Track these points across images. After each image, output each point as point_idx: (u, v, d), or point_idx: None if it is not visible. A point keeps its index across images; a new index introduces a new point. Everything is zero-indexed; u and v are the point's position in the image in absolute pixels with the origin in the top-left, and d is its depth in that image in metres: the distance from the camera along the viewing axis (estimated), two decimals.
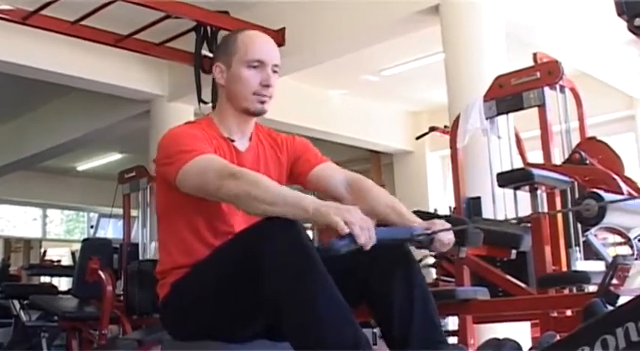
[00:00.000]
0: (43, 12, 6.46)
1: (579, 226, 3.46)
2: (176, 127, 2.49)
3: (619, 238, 2.99)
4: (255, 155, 2.49)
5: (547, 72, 3.98)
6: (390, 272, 2.17)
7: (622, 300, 1.70)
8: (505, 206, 4.26)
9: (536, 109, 3.99)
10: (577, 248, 3.54)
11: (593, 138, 4.03)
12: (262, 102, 2.42)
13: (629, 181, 3.57)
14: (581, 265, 3.52)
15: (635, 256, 1.95)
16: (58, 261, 11.66)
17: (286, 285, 1.97)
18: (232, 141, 2.44)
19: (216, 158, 2.25)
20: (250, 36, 2.50)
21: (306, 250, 2.01)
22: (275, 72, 2.45)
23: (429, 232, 2.15)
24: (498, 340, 2.13)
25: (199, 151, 2.23)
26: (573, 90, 4.41)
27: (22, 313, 7.38)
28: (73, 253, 10.09)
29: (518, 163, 4.48)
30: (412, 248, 2.25)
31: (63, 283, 10.97)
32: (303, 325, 1.96)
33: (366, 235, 1.93)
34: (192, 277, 2.26)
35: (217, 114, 2.52)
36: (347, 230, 1.90)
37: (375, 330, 3.85)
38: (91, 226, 15.48)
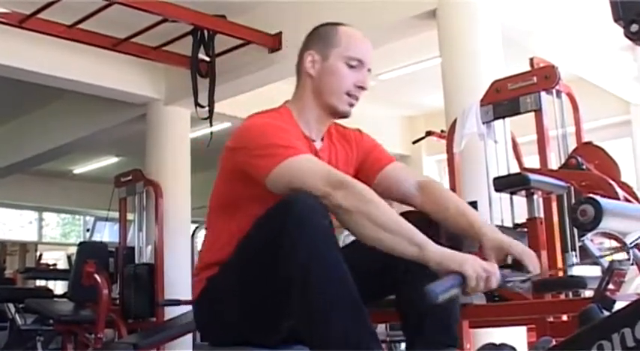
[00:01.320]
0: (40, 15, 6.46)
1: (575, 231, 3.46)
2: (261, 115, 2.31)
3: (615, 243, 3.00)
4: (329, 155, 2.38)
5: (544, 77, 3.99)
6: (413, 271, 2.09)
7: (618, 305, 1.70)
8: (501, 211, 4.26)
9: (532, 113, 4.00)
10: (573, 253, 3.54)
11: (589, 143, 4.03)
12: (351, 104, 2.33)
13: (625, 187, 3.57)
14: (578, 270, 3.52)
15: (631, 262, 1.95)
16: (54, 264, 11.69)
17: (298, 268, 1.90)
18: (313, 140, 2.33)
19: (319, 161, 2.14)
20: (352, 32, 2.40)
21: (321, 233, 1.93)
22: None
23: (524, 278, 2.06)
24: (495, 345, 2.14)
25: (298, 150, 2.10)
26: (570, 95, 4.41)
27: (17, 316, 7.36)
28: (68, 257, 10.10)
29: (515, 168, 4.48)
30: None
31: (58, 287, 10.96)
32: (310, 313, 1.90)
33: (481, 286, 1.85)
34: (223, 271, 2.18)
35: (296, 105, 2.39)
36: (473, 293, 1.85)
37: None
38: (87, 230, 15.46)
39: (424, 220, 2.24)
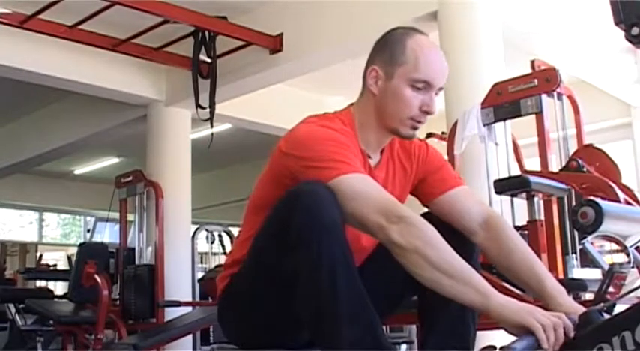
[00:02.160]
0: (41, 16, 6.46)
1: (576, 233, 3.46)
2: (322, 121, 2.17)
3: (615, 246, 3.00)
4: (385, 173, 2.25)
5: (545, 79, 3.99)
6: None
7: (618, 308, 1.70)
8: (502, 213, 4.26)
9: (533, 116, 4.00)
10: (574, 256, 3.54)
11: (590, 145, 4.03)
12: (415, 128, 2.17)
13: (625, 189, 3.57)
14: (578, 272, 3.52)
15: (631, 264, 1.95)
16: (54, 265, 11.68)
17: (306, 260, 1.85)
18: (369, 157, 2.21)
19: (376, 186, 1.98)
20: (425, 49, 2.16)
21: (330, 226, 1.86)
22: (436, 94, 2.18)
23: None
24: (495, 347, 2.13)
25: (355, 168, 1.97)
26: (571, 97, 4.41)
27: (17, 316, 7.37)
28: (69, 257, 10.11)
29: (516, 171, 4.48)
30: None
31: (59, 287, 10.98)
32: (317, 308, 1.87)
33: (553, 340, 1.68)
34: (242, 266, 2.14)
35: (359, 116, 2.24)
36: (545, 343, 1.67)
37: None
38: (88, 230, 15.47)
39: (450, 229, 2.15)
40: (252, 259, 2.09)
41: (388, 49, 2.17)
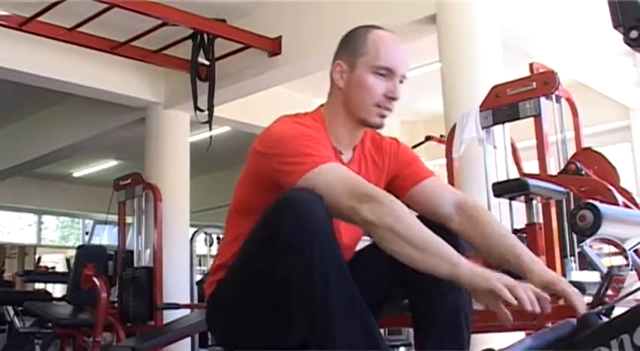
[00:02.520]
0: (40, 18, 6.46)
1: (574, 236, 3.46)
2: (293, 120, 2.23)
3: (614, 249, 3.00)
4: (358, 168, 2.28)
5: (543, 82, 3.99)
6: (428, 277, 1.97)
7: (617, 311, 1.70)
8: (500, 216, 4.26)
9: (532, 119, 4.00)
10: (572, 258, 3.54)
11: (588, 148, 4.03)
12: (382, 116, 2.22)
13: (624, 192, 3.57)
14: (576, 275, 3.52)
15: (630, 267, 1.95)
16: (53, 267, 11.67)
17: (299, 266, 1.86)
18: (341, 153, 2.24)
19: (346, 170, 2.03)
20: (383, 38, 2.25)
21: (322, 231, 1.87)
22: (401, 82, 2.24)
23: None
24: (493, 350, 2.13)
25: (327, 158, 2.02)
26: (569, 100, 4.41)
27: (16, 319, 7.35)
28: (67, 260, 10.11)
29: (514, 173, 4.48)
30: None
31: (57, 290, 10.97)
32: (311, 315, 1.88)
33: (532, 300, 1.79)
34: (229, 272, 2.15)
35: (329, 113, 2.29)
36: (514, 300, 1.76)
37: None
38: (86, 233, 15.46)
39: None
40: (240, 265, 2.10)
41: (350, 44, 2.25)
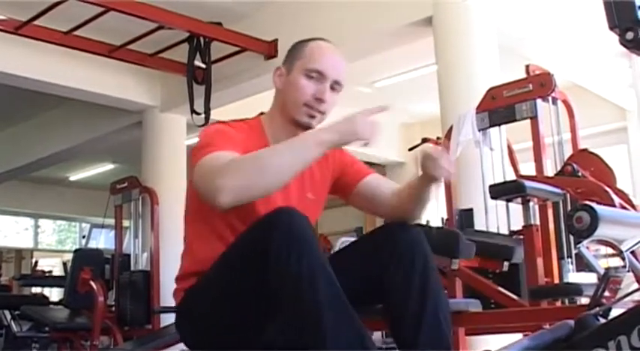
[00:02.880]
0: (36, 22, 6.46)
1: (571, 238, 3.46)
2: (220, 123, 2.34)
3: (611, 250, 3.01)
4: None
5: (539, 84, 3.99)
6: (407, 280, 2.12)
7: (614, 313, 1.70)
8: (497, 218, 4.26)
9: (528, 120, 4.00)
10: (569, 260, 3.54)
11: (585, 150, 4.04)
12: (311, 116, 2.30)
13: (620, 193, 3.58)
14: (573, 277, 3.52)
15: (627, 269, 1.95)
16: (50, 271, 11.65)
17: (288, 282, 1.91)
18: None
19: (223, 155, 2.07)
20: (320, 45, 2.41)
21: (310, 246, 1.93)
22: (334, 89, 2.35)
23: None
24: None
25: (216, 148, 2.10)
26: (565, 102, 4.42)
27: (13, 323, 7.35)
28: (64, 264, 10.06)
29: (511, 175, 4.48)
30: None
31: (54, 294, 10.95)
32: (302, 325, 1.91)
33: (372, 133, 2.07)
34: (203, 283, 2.19)
35: (268, 118, 2.40)
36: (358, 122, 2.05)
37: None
38: (83, 237, 15.45)
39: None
40: (223, 276, 2.13)
41: (292, 52, 2.42)
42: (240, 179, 1.97)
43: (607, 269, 1.92)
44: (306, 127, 2.31)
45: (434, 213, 9.26)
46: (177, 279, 2.31)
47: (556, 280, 3.48)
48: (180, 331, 2.33)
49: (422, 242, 2.20)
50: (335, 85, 2.35)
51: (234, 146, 2.13)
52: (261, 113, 2.46)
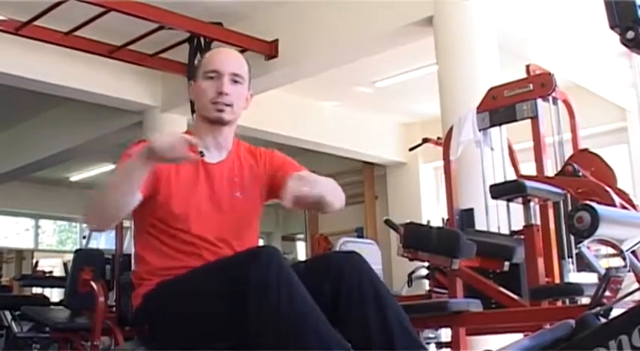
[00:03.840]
0: (37, 22, 6.46)
1: (572, 238, 3.46)
2: None
3: (612, 250, 3.01)
4: (230, 168, 2.50)
5: (540, 84, 3.99)
6: (359, 298, 2.15)
7: (615, 312, 1.70)
8: (498, 218, 4.26)
9: (529, 120, 4.00)
10: (570, 260, 3.54)
11: (585, 150, 4.04)
12: (220, 110, 2.45)
13: (621, 193, 3.58)
14: (574, 277, 3.52)
15: (627, 268, 1.95)
16: (50, 272, 11.62)
17: (276, 315, 1.98)
18: (202, 155, 2.36)
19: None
20: (214, 51, 2.66)
21: (293, 280, 2.02)
22: (236, 82, 2.50)
23: None
24: None
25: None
26: (566, 102, 4.42)
27: (13, 324, 7.34)
28: (65, 264, 10.05)
29: (511, 175, 4.48)
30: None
31: (55, 294, 10.93)
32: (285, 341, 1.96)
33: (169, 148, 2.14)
34: (166, 293, 2.28)
35: (195, 126, 2.59)
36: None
37: None
38: (84, 237, 15.40)
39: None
40: (189, 295, 2.22)
41: (196, 68, 2.62)
42: (97, 214, 2.29)
43: (608, 269, 1.91)
44: (219, 122, 2.48)
45: (434, 213, 9.27)
46: (134, 282, 2.48)
47: (557, 280, 3.48)
48: (138, 333, 2.49)
49: (360, 262, 2.23)
50: (235, 78, 2.50)
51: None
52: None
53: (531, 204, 3.51)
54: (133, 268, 2.54)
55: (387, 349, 2.12)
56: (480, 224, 4.37)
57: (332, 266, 2.20)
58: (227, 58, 2.55)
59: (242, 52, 7.03)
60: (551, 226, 3.54)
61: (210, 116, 2.47)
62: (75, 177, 13.96)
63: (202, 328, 2.16)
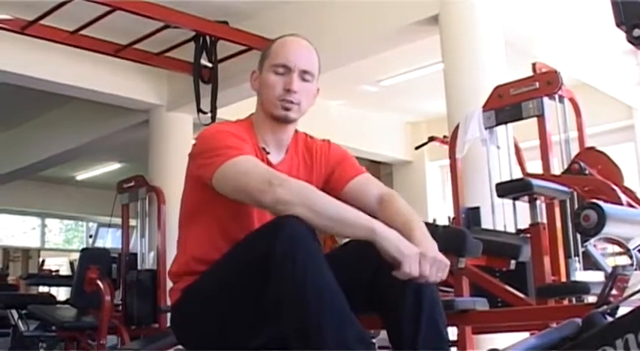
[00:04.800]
0: (43, 22, 6.47)
1: (578, 236, 3.45)
2: (219, 124, 2.45)
3: (618, 249, 3.00)
4: (288, 169, 2.41)
5: (546, 82, 3.99)
6: (401, 283, 2.10)
7: (622, 311, 1.70)
8: (504, 216, 4.25)
9: (535, 119, 3.99)
10: (576, 258, 3.54)
11: (592, 148, 4.03)
12: (286, 108, 2.36)
13: (628, 192, 3.57)
14: (581, 275, 3.52)
15: (634, 267, 1.94)
16: (57, 271, 11.67)
17: (290, 287, 1.94)
18: (267, 153, 2.39)
19: (259, 162, 2.20)
20: (284, 41, 2.47)
21: (316, 253, 1.99)
22: (304, 79, 2.40)
23: None
24: (498, 350, 2.13)
25: (241, 150, 2.19)
26: (572, 100, 4.41)
27: (20, 322, 7.36)
28: (71, 263, 10.08)
29: (518, 174, 4.47)
30: None
31: (61, 293, 10.98)
32: (304, 329, 1.94)
33: (415, 269, 1.97)
34: (203, 283, 2.23)
35: (255, 120, 2.46)
36: (411, 273, 1.96)
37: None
38: (90, 236, 15.45)
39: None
40: (223, 280, 2.17)
41: (262, 55, 2.49)
42: (294, 198, 2.03)
43: (614, 267, 1.91)
44: (285, 120, 2.39)
45: (441, 211, 9.26)
46: (172, 277, 2.39)
47: (563, 279, 3.47)
48: (176, 330, 2.38)
49: None
50: (304, 75, 2.40)
51: (248, 145, 2.25)
52: (252, 114, 2.51)
53: (537, 202, 3.50)
54: (174, 260, 2.44)
55: (412, 339, 2.12)
56: (486, 223, 4.37)
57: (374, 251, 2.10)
58: (298, 53, 2.43)
59: (247, 50, 7.05)
60: (558, 224, 3.54)
61: (276, 113, 2.37)
62: (81, 176, 13.99)
63: (240, 315, 2.14)
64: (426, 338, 2.12)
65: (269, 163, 2.33)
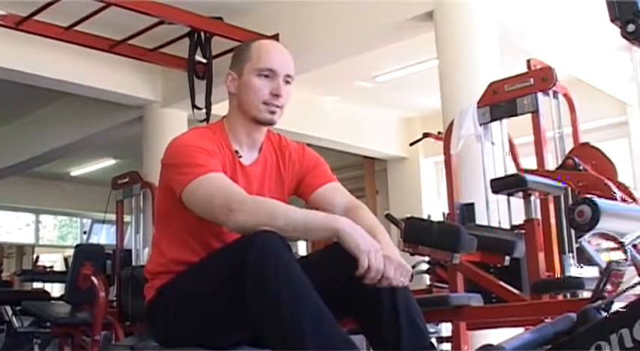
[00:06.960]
0: (37, 17, 6.45)
1: (573, 231, 3.46)
2: (189, 132, 2.47)
3: (612, 244, 3.00)
4: (262, 170, 2.45)
5: (541, 78, 3.99)
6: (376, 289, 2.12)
7: (616, 306, 1.70)
8: (499, 212, 4.26)
9: (529, 115, 4.00)
10: (570, 254, 3.54)
11: (586, 144, 4.03)
12: (272, 112, 2.38)
13: (622, 187, 3.57)
14: (575, 271, 3.52)
15: (628, 262, 1.95)
16: (51, 267, 11.64)
17: (268, 297, 1.97)
18: (239, 156, 2.40)
19: (224, 180, 2.22)
20: (264, 45, 2.51)
21: (288, 261, 2.01)
22: (288, 82, 2.42)
23: None
24: (492, 346, 2.13)
25: (208, 168, 2.22)
26: (567, 96, 4.42)
27: (14, 319, 7.35)
28: (65, 259, 10.07)
29: (512, 169, 4.48)
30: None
31: (55, 289, 10.95)
32: (284, 337, 1.96)
33: (373, 265, 2.00)
34: (178, 284, 2.27)
35: (228, 122, 2.49)
36: (365, 267, 1.99)
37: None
38: (84, 232, 15.45)
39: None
40: (195, 286, 2.21)
41: (237, 55, 2.52)
42: (254, 220, 2.07)
43: (609, 263, 1.91)
44: (269, 123, 2.42)
45: (435, 207, 9.27)
46: (148, 275, 2.40)
47: (557, 274, 3.48)
48: (150, 327, 2.41)
49: None
50: (287, 79, 2.43)
51: (215, 158, 2.28)
52: (224, 117, 2.55)
53: (532, 198, 3.51)
54: (149, 258, 2.46)
55: (394, 339, 2.14)
56: (481, 219, 4.38)
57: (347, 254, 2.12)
58: (283, 58, 2.47)
59: None
60: (552, 220, 3.54)
61: (261, 117, 2.40)
62: (75, 172, 13.96)
63: (215, 319, 2.17)
64: (408, 339, 2.13)
65: (241, 166, 2.38)
